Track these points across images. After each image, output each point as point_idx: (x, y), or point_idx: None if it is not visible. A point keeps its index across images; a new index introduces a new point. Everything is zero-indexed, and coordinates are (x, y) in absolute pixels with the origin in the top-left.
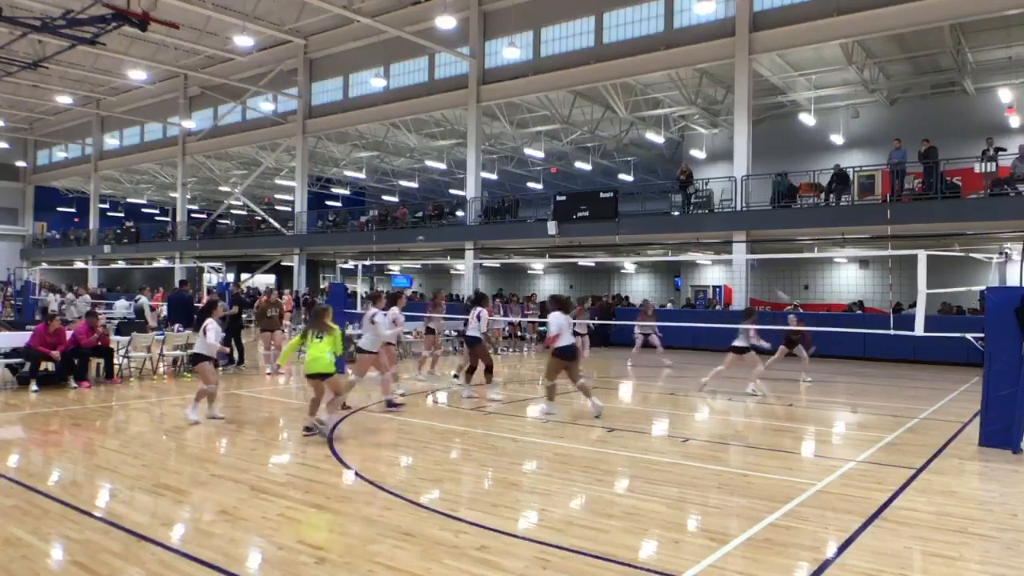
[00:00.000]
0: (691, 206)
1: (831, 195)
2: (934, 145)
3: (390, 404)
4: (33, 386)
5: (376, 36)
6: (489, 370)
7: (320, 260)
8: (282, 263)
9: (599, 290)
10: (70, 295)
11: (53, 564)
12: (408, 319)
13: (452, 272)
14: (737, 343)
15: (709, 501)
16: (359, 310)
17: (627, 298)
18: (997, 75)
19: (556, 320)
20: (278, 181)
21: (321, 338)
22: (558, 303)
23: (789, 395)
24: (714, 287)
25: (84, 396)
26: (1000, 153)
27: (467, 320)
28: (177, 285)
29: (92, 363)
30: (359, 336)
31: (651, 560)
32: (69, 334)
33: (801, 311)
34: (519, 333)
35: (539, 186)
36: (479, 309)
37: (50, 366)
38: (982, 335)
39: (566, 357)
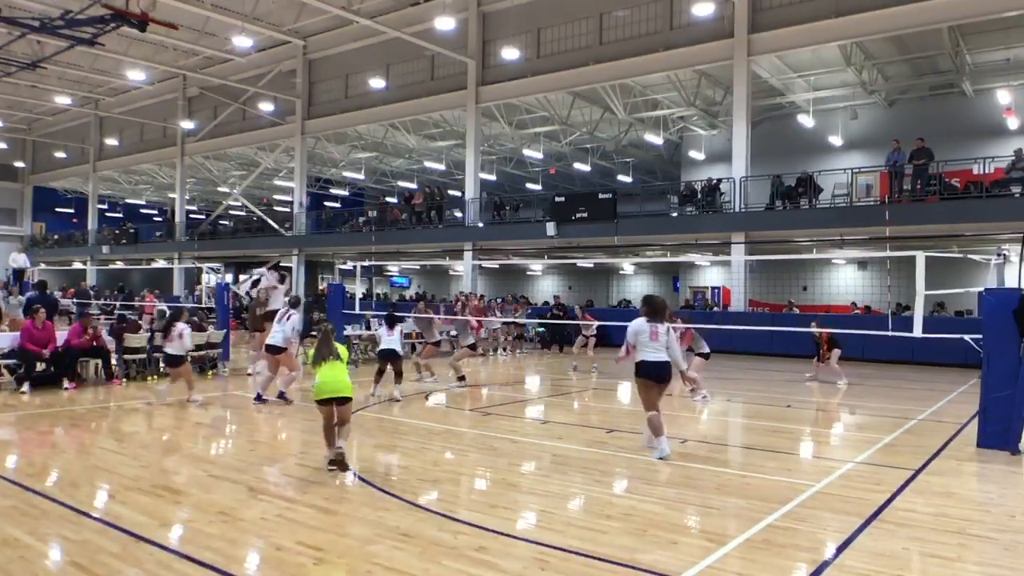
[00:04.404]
0: (699, 209)
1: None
2: (927, 146)
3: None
4: (24, 387)
5: (375, 37)
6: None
7: (319, 261)
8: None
9: (599, 291)
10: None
11: (51, 565)
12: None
13: (451, 273)
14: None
15: (707, 502)
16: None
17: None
18: (995, 77)
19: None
20: (277, 182)
21: (336, 358)
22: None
23: (784, 396)
24: (712, 288)
25: (82, 397)
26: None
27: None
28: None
29: (89, 364)
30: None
31: (649, 561)
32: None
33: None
34: (523, 334)
35: (538, 187)
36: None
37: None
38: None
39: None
